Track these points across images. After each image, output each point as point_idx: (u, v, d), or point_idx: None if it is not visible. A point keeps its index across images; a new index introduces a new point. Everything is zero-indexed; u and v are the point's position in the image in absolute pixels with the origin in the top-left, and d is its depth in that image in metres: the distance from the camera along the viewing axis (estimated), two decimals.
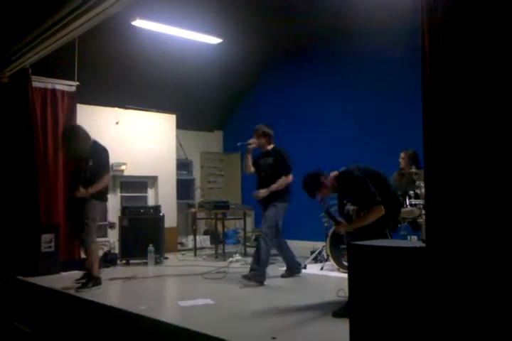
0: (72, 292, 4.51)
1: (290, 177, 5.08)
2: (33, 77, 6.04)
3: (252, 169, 5.32)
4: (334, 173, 3.85)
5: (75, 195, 4.65)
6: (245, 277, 4.75)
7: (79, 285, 4.66)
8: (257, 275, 4.74)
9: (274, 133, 5.31)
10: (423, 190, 5.31)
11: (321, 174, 3.83)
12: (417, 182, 5.42)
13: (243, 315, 3.61)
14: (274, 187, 5.03)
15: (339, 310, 3.36)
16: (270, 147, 5.26)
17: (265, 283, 4.76)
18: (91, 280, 4.71)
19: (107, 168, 4.89)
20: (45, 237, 5.51)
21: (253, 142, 5.20)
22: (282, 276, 5.22)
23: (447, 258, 2.04)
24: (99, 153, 4.79)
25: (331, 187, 3.82)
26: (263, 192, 5.07)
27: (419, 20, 2.19)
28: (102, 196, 4.85)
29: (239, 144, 5.31)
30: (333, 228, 5.50)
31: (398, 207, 3.91)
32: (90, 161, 4.69)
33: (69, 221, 5.04)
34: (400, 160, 5.84)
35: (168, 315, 3.50)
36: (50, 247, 5.54)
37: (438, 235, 2.11)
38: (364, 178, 3.64)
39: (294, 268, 5.30)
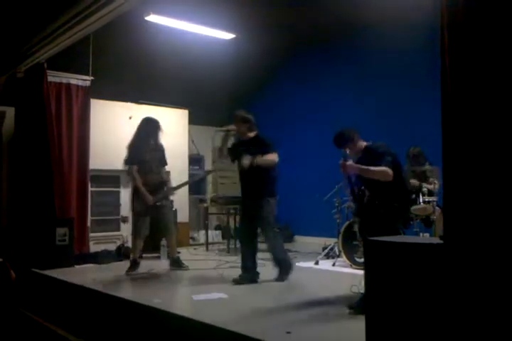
0: (86, 284, 4.56)
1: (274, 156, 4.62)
2: (48, 71, 6.08)
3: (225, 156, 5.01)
4: (363, 143, 3.89)
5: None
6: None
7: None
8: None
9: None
10: (433, 186, 5.35)
11: (357, 133, 3.89)
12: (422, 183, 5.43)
13: (257, 309, 3.62)
14: (261, 160, 4.56)
15: (353, 306, 3.36)
16: (252, 134, 4.80)
17: (277, 278, 4.73)
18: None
19: None
20: (60, 231, 5.58)
21: (232, 129, 4.82)
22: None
23: (465, 254, 2.04)
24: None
25: (357, 149, 3.86)
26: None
27: (439, 13, 2.18)
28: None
29: (216, 129, 4.81)
30: (346, 223, 5.52)
31: (408, 198, 3.92)
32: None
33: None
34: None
35: (183, 309, 3.53)
36: (64, 241, 5.61)
37: (456, 231, 2.10)
38: (388, 155, 3.66)
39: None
